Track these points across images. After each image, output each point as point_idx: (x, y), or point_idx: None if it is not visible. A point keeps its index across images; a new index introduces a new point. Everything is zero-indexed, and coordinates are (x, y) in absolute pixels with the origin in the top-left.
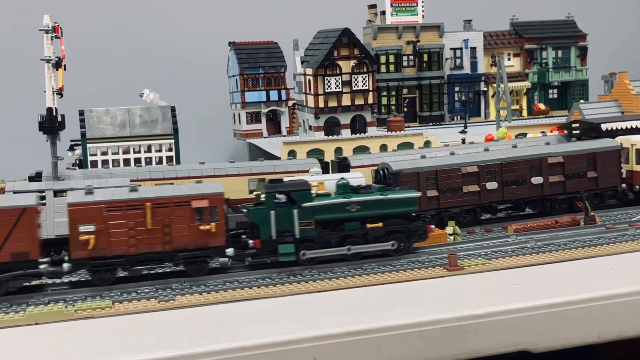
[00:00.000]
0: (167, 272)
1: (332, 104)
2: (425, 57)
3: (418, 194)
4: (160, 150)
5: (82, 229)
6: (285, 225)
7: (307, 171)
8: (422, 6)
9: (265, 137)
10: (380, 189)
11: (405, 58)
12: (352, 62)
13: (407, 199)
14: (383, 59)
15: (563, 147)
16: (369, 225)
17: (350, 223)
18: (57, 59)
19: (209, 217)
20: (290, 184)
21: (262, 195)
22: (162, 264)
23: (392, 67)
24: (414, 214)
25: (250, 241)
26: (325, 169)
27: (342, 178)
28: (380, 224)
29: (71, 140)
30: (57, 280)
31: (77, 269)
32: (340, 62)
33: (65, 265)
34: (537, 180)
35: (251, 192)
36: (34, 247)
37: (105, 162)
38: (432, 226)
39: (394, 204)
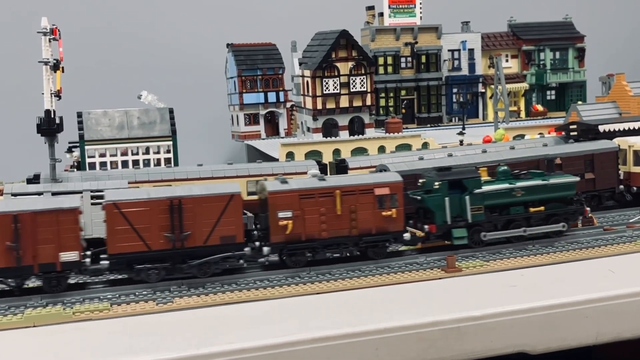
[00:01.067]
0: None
1: (330, 105)
2: (423, 59)
3: (576, 179)
4: (158, 152)
5: (280, 215)
6: (457, 210)
7: (305, 173)
8: (420, 8)
9: (263, 139)
10: (539, 175)
11: (403, 59)
12: (350, 64)
13: (567, 184)
14: (381, 60)
15: (561, 149)
16: (532, 209)
17: (515, 207)
18: (55, 61)
19: (389, 203)
20: (462, 171)
21: (436, 184)
22: (347, 248)
23: (390, 69)
24: (572, 198)
25: (426, 226)
26: (323, 170)
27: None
28: (542, 208)
29: (69, 142)
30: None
31: (276, 252)
32: (338, 64)
33: (265, 249)
34: None
35: (250, 193)
36: (239, 231)
37: (103, 164)
38: (588, 209)
39: (554, 188)
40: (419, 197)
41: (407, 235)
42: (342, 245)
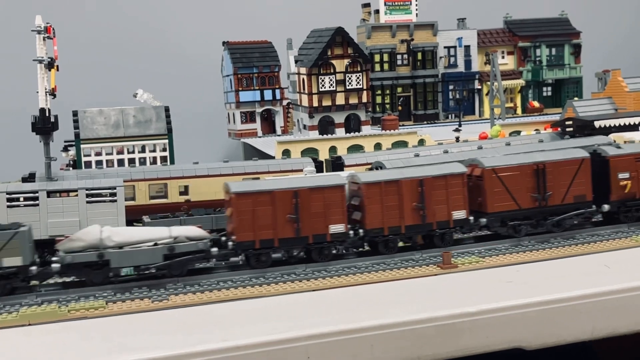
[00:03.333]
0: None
1: (326, 103)
2: (420, 56)
3: None
4: (154, 151)
5: (620, 176)
6: None
7: (301, 170)
8: (416, 5)
9: (259, 137)
10: None
11: (399, 57)
12: (346, 61)
13: None
14: (377, 57)
15: (557, 145)
16: None
17: None
18: (49, 60)
19: None
20: None
21: None
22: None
23: (386, 66)
24: None
25: None
26: (319, 168)
27: None
28: None
29: (65, 141)
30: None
31: (614, 209)
32: (334, 61)
33: (605, 206)
34: None
35: None
36: (588, 191)
37: (99, 163)
38: None
39: None
40: None
41: None
42: None
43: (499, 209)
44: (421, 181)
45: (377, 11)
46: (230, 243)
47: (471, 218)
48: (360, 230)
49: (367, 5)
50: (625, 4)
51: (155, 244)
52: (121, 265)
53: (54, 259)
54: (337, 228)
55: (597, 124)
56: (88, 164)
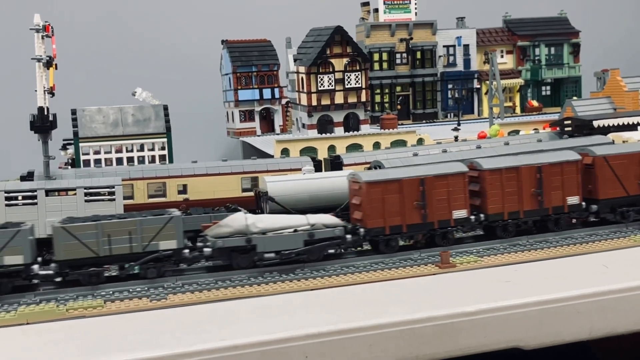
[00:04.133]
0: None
1: (325, 101)
2: (419, 55)
3: None
4: (152, 149)
5: None
6: None
7: (300, 169)
8: (415, 4)
9: (258, 136)
10: None
11: (398, 56)
12: (345, 60)
13: None
14: (376, 56)
15: (556, 144)
16: None
17: None
18: (48, 58)
19: None
20: None
21: None
22: None
23: (385, 65)
24: None
25: None
26: (318, 167)
27: None
28: None
29: (64, 140)
30: None
31: None
32: (333, 60)
33: None
34: None
35: (245, 190)
36: None
37: (97, 161)
38: None
39: None
40: None
41: None
42: None
43: (610, 195)
44: (539, 168)
45: (376, 10)
46: (361, 230)
47: (583, 204)
48: (481, 215)
49: (366, 4)
50: (625, 3)
51: (295, 231)
52: (266, 250)
53: (203, 243)
54: (460, 213)
55: (595, 123)
56: (87, 163)
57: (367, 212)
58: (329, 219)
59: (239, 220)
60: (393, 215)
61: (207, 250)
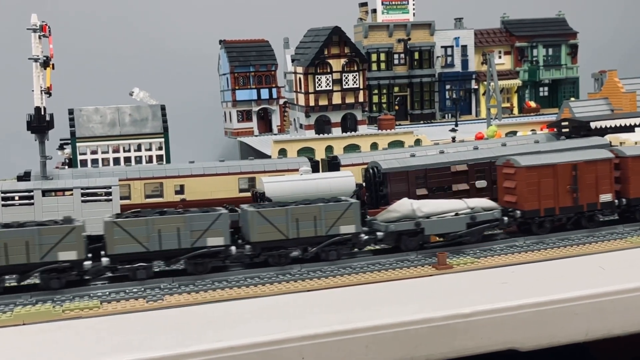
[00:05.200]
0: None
1: (323, 102)
2: (416, 55)
3: None
4: (150, 149)
5: None
6: None
7: (297, 170)
8: (413, 4)
9: (256, 136)
10: None
11: (396, 56)
12: (343, 61)
13: None
14: (374, 57)
15: (553, 145)
16: None
17: None
18: (45, 58)
19: None
20: None
21: None
22: None
23: (383, 65)
24: None
25: None
26: (315, 167)
27: None
28: None
29: (61, 139)
30: None
31: None
32: (330, 61)
33: None
34: None
35: (242, 190)
36: None
37: (94, 161)
38: None
39: None
40: None
41: None
42: None
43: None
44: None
45: (374, 10)
46: (517, 212)
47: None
48: (623, 200)
49: (364, 4)
50: (623, 4)
51: (457, 214)
52: (433, 232)
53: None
54: (606, 197)
55: (593, 124)
56: (84, 163)
57: (523, 195)
58: (485, 202)
59: (406, 205)
60: (547, 198)
61: (380, 233)
